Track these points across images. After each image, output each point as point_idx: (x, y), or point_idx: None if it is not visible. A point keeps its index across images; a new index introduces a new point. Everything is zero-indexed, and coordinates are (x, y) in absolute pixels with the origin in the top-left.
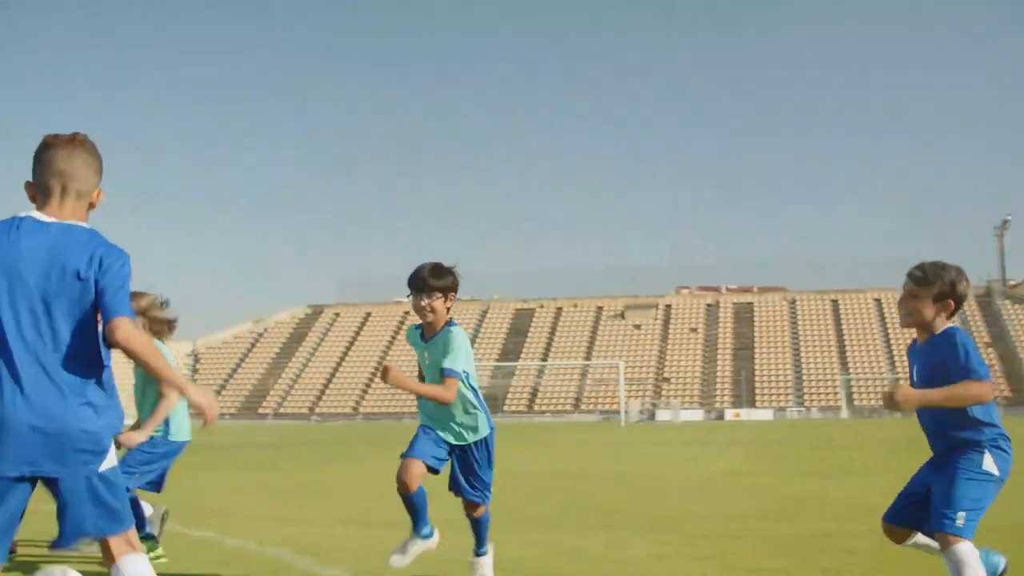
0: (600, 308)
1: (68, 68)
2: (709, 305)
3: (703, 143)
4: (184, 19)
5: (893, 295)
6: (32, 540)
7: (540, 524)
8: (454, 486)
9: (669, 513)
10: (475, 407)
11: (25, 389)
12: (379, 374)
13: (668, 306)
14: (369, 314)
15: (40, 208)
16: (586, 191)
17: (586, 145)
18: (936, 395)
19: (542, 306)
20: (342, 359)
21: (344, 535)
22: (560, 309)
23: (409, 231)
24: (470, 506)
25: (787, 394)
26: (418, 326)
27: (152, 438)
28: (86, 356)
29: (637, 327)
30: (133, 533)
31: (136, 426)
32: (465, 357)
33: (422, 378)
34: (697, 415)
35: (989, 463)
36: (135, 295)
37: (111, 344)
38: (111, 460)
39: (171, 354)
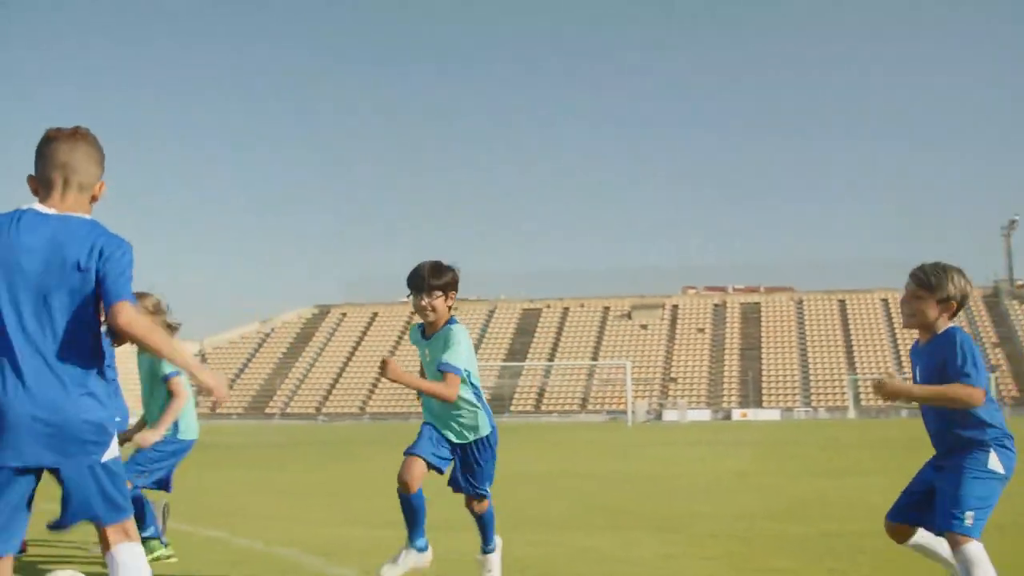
0: (607, 308)
1: (70, 69)
2: (716, 305)
3: (710, 144)
4: (187, 19)
5: (900, 295)
6: (45, 540)
7: (547, 524)
8: (454, 483)
9: (676, 513)
10: (475, 406)
11: (27, 380)
12: (378, 367)
13: (675, 306)
14: (376, 314)
15: (42, 201)
16: (593, 192)
17: (593, 145)
18: (922, 391)
19: (549, 306)
20: (349, 359)
21: (351, 535)
22: (567, 309)
23: (416, 231)
24: (471, 502)
25: (794, 394)
26: (420, 324)
27: (136, 436)
28: (87, 347)
29: (644, 327)
30: (131, 523)
31: (140, 426)
32: (466, 354)
33: (423, 376)
34: (704, 415)
35: (994, 461)
36: (140, 295)
37: (114, 329)
38: (113, 450)
39: None
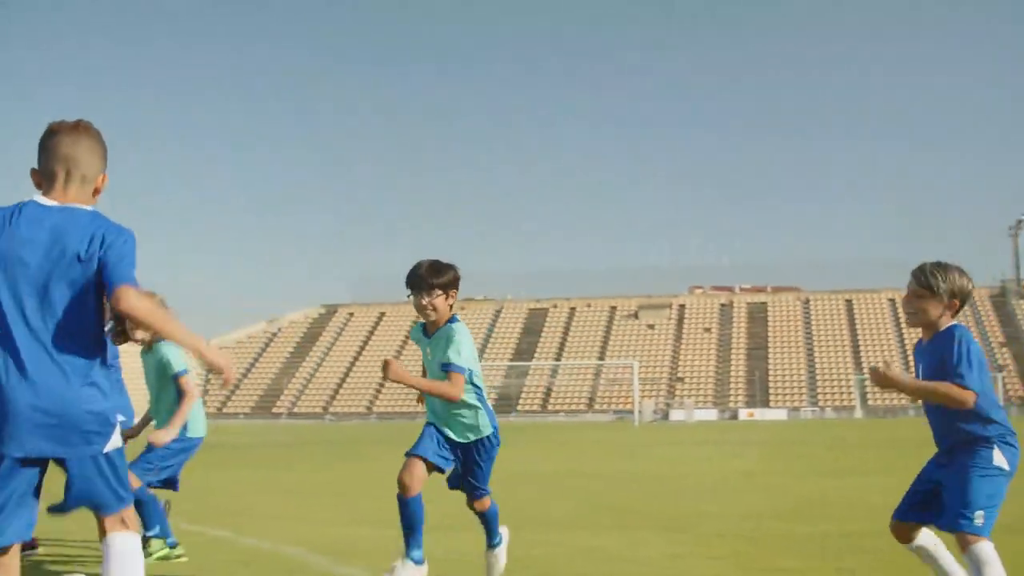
0: (614, 308)
1: (70, 69)
2: (723, 305)
3: (715, 143)
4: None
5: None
6: (59, 540)
7: (554, 523)
8: (452, 482)
9: (683, 513)
10: (476, 406)
11: (30, 372)
12: (380, 368)
13: (682, 306)
14: (383, 314)
15: (45, 194)
16: (601, 192)
17: (598, 145)
18: (915, 385)
19: (556, 306)
20: (356, 359)
21: (359, 535)
22: (574, 309)
23: (422, 232)
24: (473, 502)
25: (801, 394)
26: (422, 323)
27: (151, 436)
28: (90, 338)
29: (651, 327)
30: (129, 512)
31: (144, 422)
32: (468, 353)
33: (425, 375)
34: (711, 415)
35: (999, 458)
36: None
37: (117, 312)
38: (115, 441)
39: (182, 356)
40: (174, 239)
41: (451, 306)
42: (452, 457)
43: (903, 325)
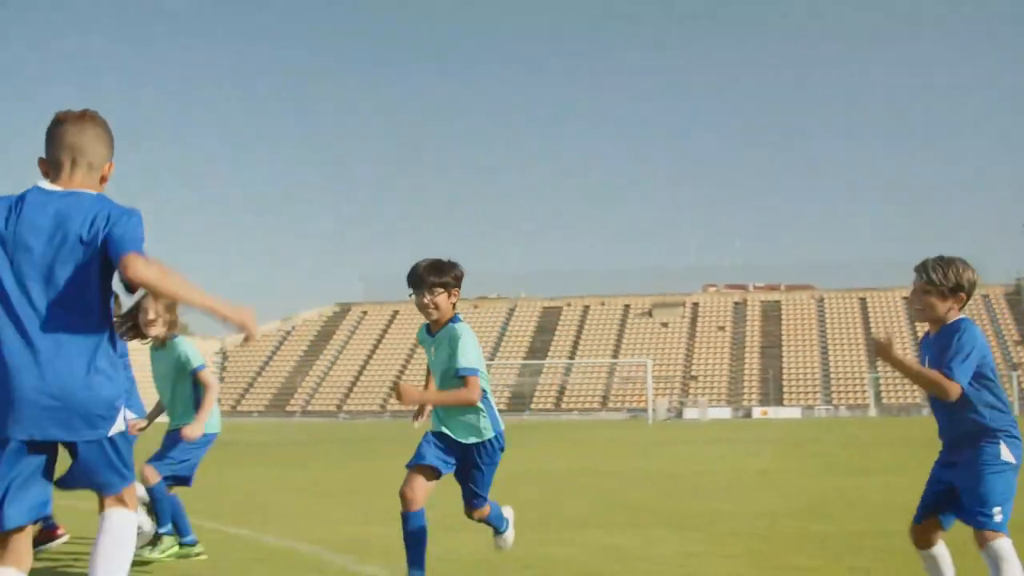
0: (627, 306)
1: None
2: (737, 303)
3: (731, 143)
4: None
5: None
6: (82, 537)
7: (568, 522)
8: (459, 479)
9: (697, 511)
10: (479, 407)
11: (35, 356)
12: (394, 396)
13: (696, 304)
14: (396, 312)
15: (52, 182)
16: (615, 191)
17: (613, 145)
18: (908, 365)
19: (569, 304)
20: (369, 357)
21: (374, 533)
22: (587, 307)
23: (436, 230)
24: (471, 510)
25: (815, 392)
26: (427, 324)
27: (184, 431)
28: (95, 323)
29: (665, 325)
30: (129, 491)
31: (157, 411)
32: (475, 353)
33: (430, 376)
34: (725, 413)
35: (1006, 453)
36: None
37: (127, 282)
38: (120, 424)
39: (198, 351)
40: (185, 238)
41: (454, 304)
42: (453, 460)
43: (918, 323)
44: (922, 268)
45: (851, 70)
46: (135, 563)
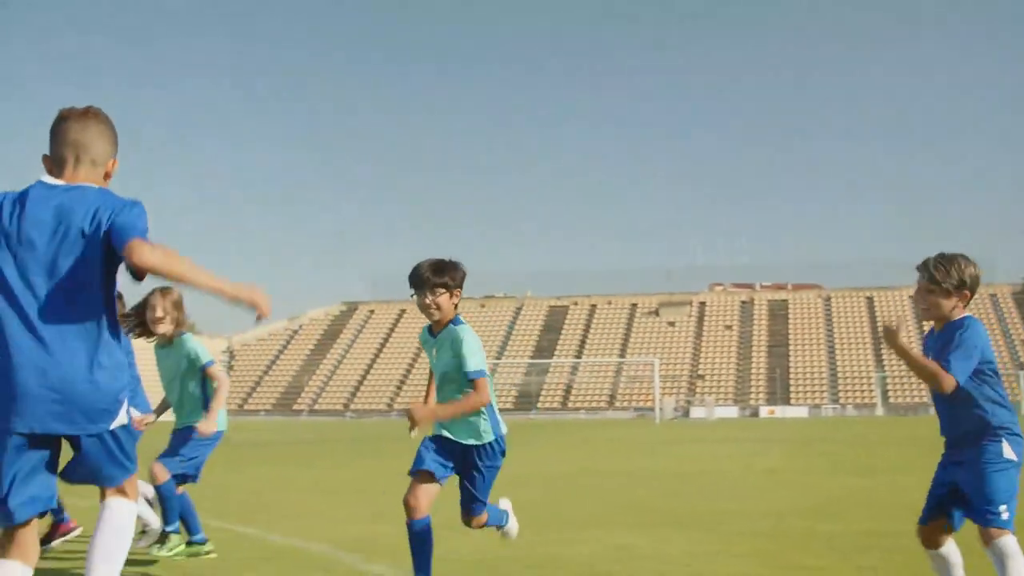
0: (634, 305)
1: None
2: (743, 302)
3: (738, 142)
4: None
5: None
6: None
7: (575, 522)
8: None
9: (705, 511)
10: (482, 410)
11: (38, 351)
12: (408, 423)
13: (702, 303)
14: (403, 311)
15: (56, 178)
16: (622, 190)
17: (618, 145)
18: (910, 354)
19: (576, 303)
20: (376, 356)
21: (381, 532)
22: (594, 306)
23: (444, 229)
24: (469, 518)
25: (822, 391)
26: (429, 325)
27: (192, 428)
28: (98, 317)
29: (671, 324)
30: (129, 482)
31: (163, 408)
32: (479, 355)
33: (432, 377)
34: (732, 412)
35: (1008, 451)
36: (163, 290)
37: (133, 268)
38: (122, 418)
39: (207, 349)
40: (188, 238)
41: (455, 305)
42: (451, 464)
43: (925, 323)
44: (924, 267)
45: (851, 70)
46: (143, 561)
